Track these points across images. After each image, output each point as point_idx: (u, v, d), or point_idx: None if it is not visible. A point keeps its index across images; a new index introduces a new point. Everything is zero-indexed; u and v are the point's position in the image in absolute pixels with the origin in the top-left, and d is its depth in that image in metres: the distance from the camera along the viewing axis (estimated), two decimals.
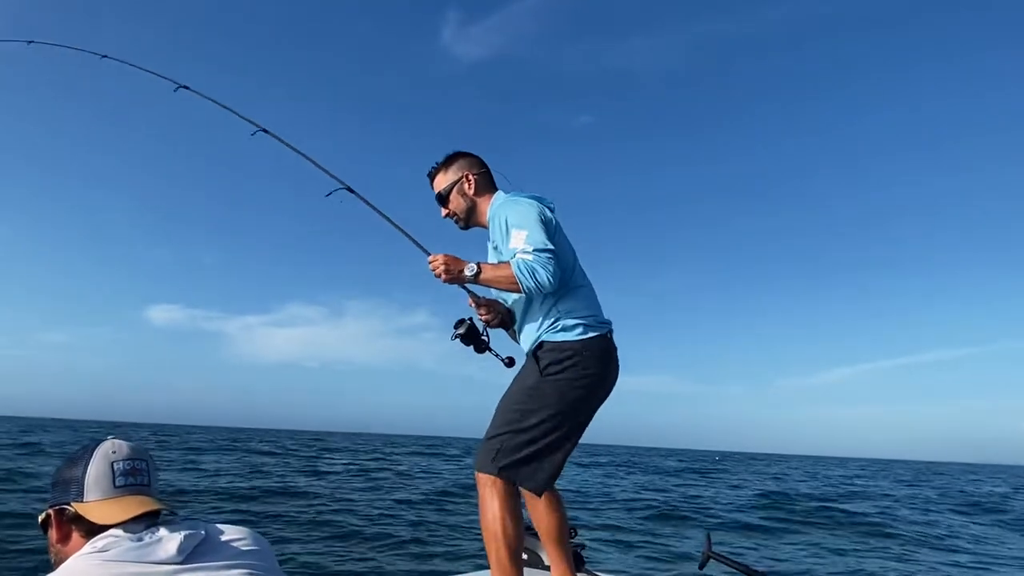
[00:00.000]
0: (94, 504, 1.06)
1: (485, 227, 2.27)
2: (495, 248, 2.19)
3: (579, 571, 2.60)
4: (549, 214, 2.11)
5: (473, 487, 2.06)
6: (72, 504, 1.07)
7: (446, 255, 2.07)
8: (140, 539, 1.02)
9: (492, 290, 2.24)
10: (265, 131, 2.68)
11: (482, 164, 2.28)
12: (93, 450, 1.12)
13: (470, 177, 2.22)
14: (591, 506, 11.34)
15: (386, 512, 9.14)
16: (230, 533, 1.13)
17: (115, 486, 1.08)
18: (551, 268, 1.94)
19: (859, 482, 24.45)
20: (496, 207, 2.18)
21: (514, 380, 2.12)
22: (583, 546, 2.69)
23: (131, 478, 1.11)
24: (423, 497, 11.09)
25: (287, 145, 2.61)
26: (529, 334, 2.13)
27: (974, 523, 12.36)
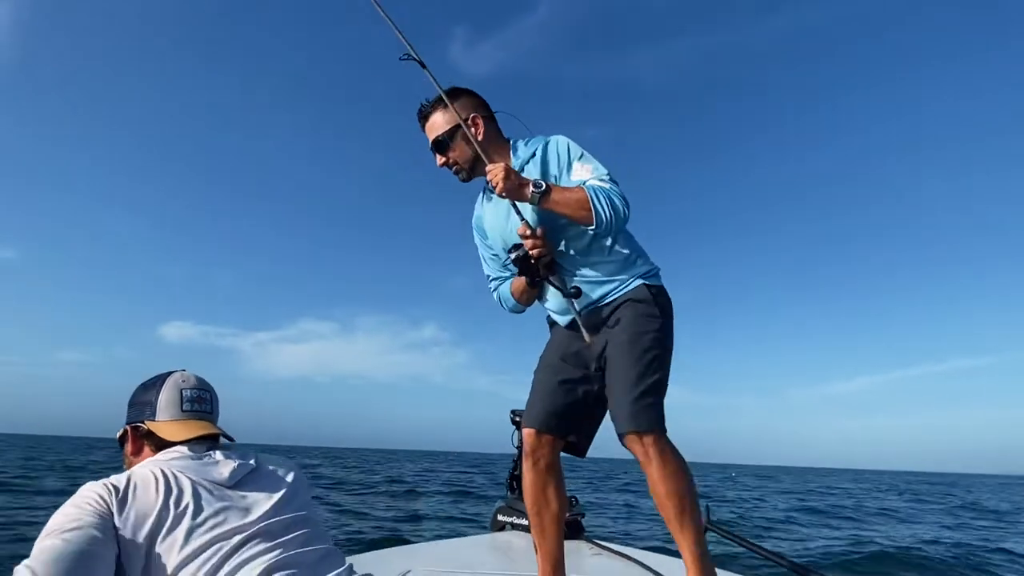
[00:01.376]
0: (164, 424, 1.23)
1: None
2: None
3: (578, 538, 2.70)
4: None
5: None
6: (145, 422, 1.24)
7: (505, 168, 1.71)
8: (199, 458, 1.18)
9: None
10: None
11: (489, 107, 1.94)
12: (166, 377, 1.29)
13: (478, 120, 1.86)
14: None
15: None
16: (275, 465, 1.29)
17: (182, 410, 1.25)
18: (627, 202, 1.75)
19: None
20: (529, 146, 1.90)
21: (623, 329, 1.79)
22: (583, 514, 2.80)
23: (197, 405, 1.28)
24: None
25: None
26: (599, 279, 1.84)
27: None
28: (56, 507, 1.02)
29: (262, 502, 1.15)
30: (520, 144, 1.91)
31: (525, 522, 2.79)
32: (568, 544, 2.61)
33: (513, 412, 2.97)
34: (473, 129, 1.84)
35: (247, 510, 1.12)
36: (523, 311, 2.06)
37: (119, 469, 1.22)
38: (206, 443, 1.24)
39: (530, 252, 1.77)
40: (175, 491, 1.08)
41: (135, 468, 1.14)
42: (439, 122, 1.86)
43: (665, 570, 2.24)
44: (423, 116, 1.89)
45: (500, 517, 2.89)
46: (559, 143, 1.85)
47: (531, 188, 1.70)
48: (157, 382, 1.28)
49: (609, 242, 1.85)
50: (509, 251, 1.82)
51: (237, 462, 1.20)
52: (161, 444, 1.21)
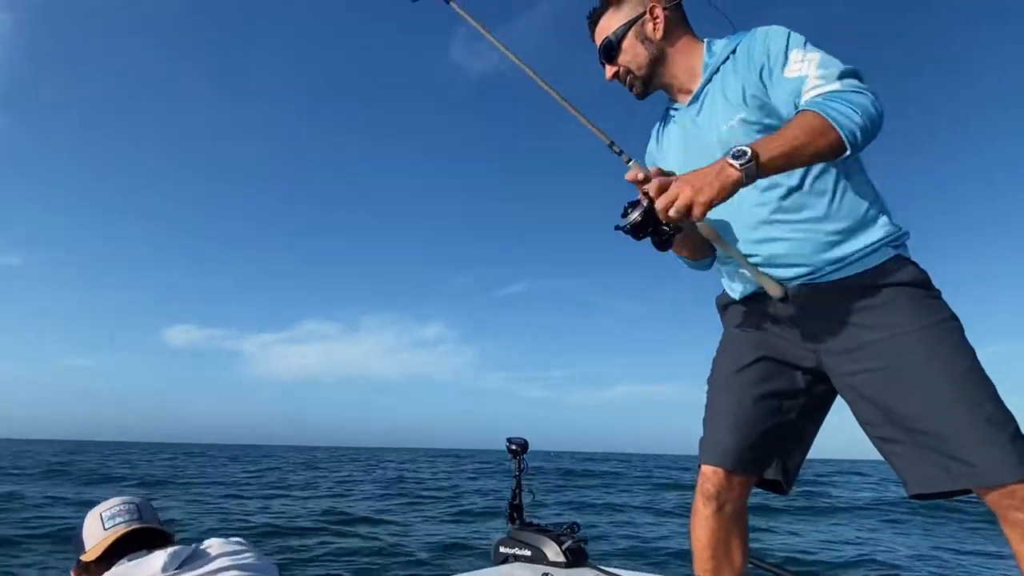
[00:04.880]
0: (92, 549, 1.27)
1: (674, 91, 1.48)
2: (744, 115, 1.30)
3: (583, 565, 2.62)
4: None
5: None
6: (81, 559, 1.28)
7: (670, 176, 1.19)
8: (131, 559, 1.19)
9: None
10: None
11: None
12: (87, 513, 1.35)
13: (658, 12, 1.40)
14: None
15: None
16: (220, 545, 1.27)
17: (104, 528, 1.29)
18: (876, 99, 1.16)
19: None
20: (730, 42, 1.39)
21: (902, 327, 1.21)
22: (586, 540, 2.72)
23: (119, 518, 1.30)
24: None
25: None
26: (836, 245, 1.26)
27: None
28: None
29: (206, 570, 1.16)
30: (717, 43, 1.41)
31: (528, 553, 2.71)
32: (573, 573, 2.54)
33: (509, 440, 2.87)
34: (650, 25, 1.40)
35: None
36: (709, 267, 1.52)
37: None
38: (144, 548, 1.24)
39: (655, 204, 1.15)
40: None
41: None
42: (609, 22, 1.44)
43: None
44: (593, 21, 1.49)
45: (502, 549, 2.80)
46: (769, 32, 1.31)
47: (737, 170, 1.10)
48: (83, 520, 1.34)
49: (833, 181, 1.26)
50: (625, 212, 1.21)
51: (169, 551, 1.17)
52: (98, 569, 1.23)
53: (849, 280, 1.26)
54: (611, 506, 11.88)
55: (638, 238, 1.23)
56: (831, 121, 1.12)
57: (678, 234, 1.24)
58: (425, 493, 13.39)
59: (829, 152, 1.14)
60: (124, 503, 1.35)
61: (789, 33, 1.29)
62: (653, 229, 1.22)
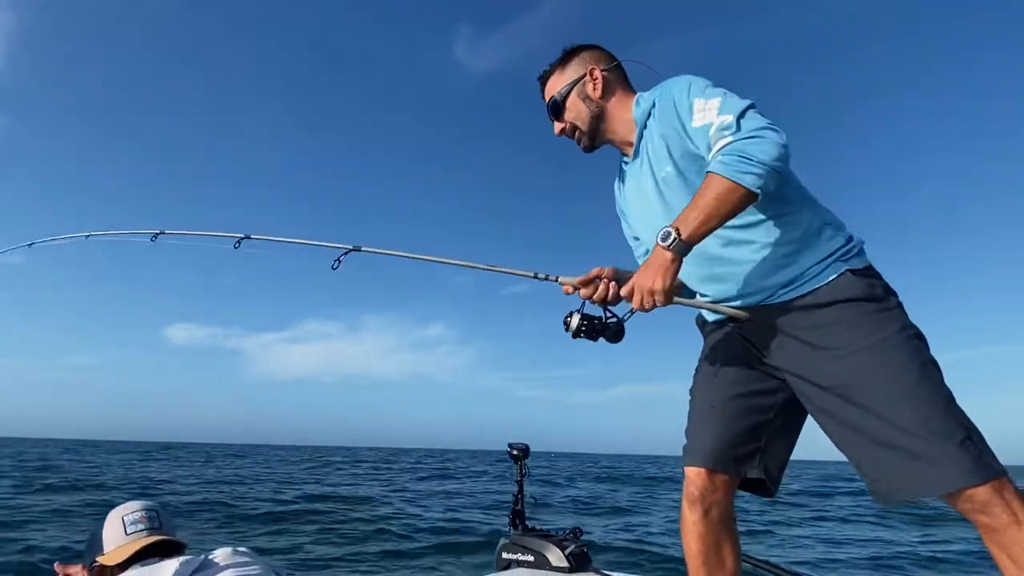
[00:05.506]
0: (111, 552, 1.29)
1: (617, 144, 1.60)
2: (672, 167, 1.41)
3: (586, 570, 2.63)
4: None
5: None
6: (97, 560, 1.30)
7: (629, 285, 1.32)
8: (144, 564, 1.23)
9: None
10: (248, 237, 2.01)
11: (612, 58, 1.58)
12: (108, 513, 1.37)
13: (596, 73, 1.53)
14: None
15: None
16: (227, 555, 1.30)
17: (126, 533, 1.31)
18: (775, 133, 1.24)
19: None
20: (650, 96, 1.49)
21: (852, 346, 1.26)
22: (588, 544, 2.72)
23: (141, 524, 1.33)
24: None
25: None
26: (783, 268, 1.34)
27: None
28: None
29: None
30: (643, 97, 1.52)
31: (531, 559, 2.71)
32: None
33: (510, 446, 2.88)
34: (590, 85, 1.53)
35: None
36: None
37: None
38: (160, 555, 1.28)
39: (593, 300, 1.41)
40: None
41: None
42: (555, 83, 1.59)
43: None
44: (543, 81, 1.63)
45: (504, 555, 2.80)
46: (674, 86, 1.41)
47: (671, 251, 1.26)
48: (102, 520, 1.35)
49: (772, 207, 1.33)
50: (566, 327, 1.43)
51: (180, 560, 1.20)
52: (115, 572, 1.27)
53: (799, 301, 1.33)
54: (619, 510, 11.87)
55: (593, 338, 1.44)
56: (734, 181, 1.22)
57: (624, 318, 1.44)
58: (427, 494, 13.40)
59: (743, 205, 1.25)
60: (146, 510, 1.37)
61: (690, 84, 1.39)
62: (600, 325, 1.43)
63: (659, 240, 1.27)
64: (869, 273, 1.33)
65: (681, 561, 1.59)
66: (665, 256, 1.26)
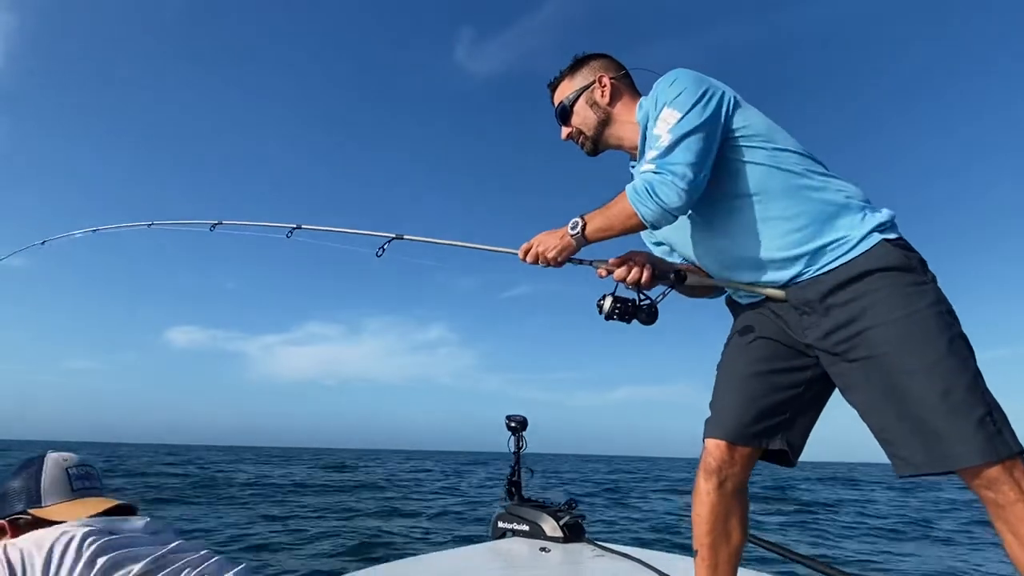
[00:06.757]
0: (55, 507, 1.11)
1: (625, 149, 1.66)
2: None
3: (580, 541, 2.65)
4: (722, 90, 1.42)
5: None
6: (29, 511, 1.10)
7: (535, 238, 1.51)
8: (98, 518, 1.07)
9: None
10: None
11: (620, 67, 1.65)
12: (42, 459, 1.18)
13: (604, 80, 1.60)
14: None
15: None
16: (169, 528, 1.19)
17: (73, 489, 1.15)
18: (681, 181, 1.32)
19: None
20: (648, 97, 1.53)
21: (880, 317, 1.27)
22: (583, 516, 2.75)
23: (86, 481, 1.18)
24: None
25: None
26: (808, 243, 1.35)
27: None
28: None
29: (183, 544, 1.10)
30: (644, 100, 1.57)
31: (526, 528, 2.74)
32: (570, 547, 2.57)
33: (509, 418, 2.92)
34: (599, 91, 1.60)
35: (173, 550, 1.07)
36: (721, 295, 1.68)
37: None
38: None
39: (627, 283, 1.47)
40: (104, 538, 1.00)
41: (38, 533, 1.00)
42: (564, 89, 1.65)
43: (670, 568, 2.18)
44: (552, 87, 1.69)
45: (500, 524, 2.84)
46: (657, 88, 1.47)
47: (569, 236, 1.44)
48: (32, 465, 1.17)
49: (776, 206, 1.37)
50: (599, 309, 1.50)
51: (146, 518, 1.13)
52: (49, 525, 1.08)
53: (832, 274, 1.34)
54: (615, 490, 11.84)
55: (627, 320, 1.48)
56: (634, 208, 1.37)
57: (656, 301, 1.49)
58: (425, 496, 13.43)
59: (636, 229, 1.42)
60: (87, 464, 1.22)
61: (671, 86, 1.42)
62: (633, 307, 1.48)
63: (568, 226, 1.45)
64: (904, 245, 1.34)
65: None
66: (567, 238, 1.45)
